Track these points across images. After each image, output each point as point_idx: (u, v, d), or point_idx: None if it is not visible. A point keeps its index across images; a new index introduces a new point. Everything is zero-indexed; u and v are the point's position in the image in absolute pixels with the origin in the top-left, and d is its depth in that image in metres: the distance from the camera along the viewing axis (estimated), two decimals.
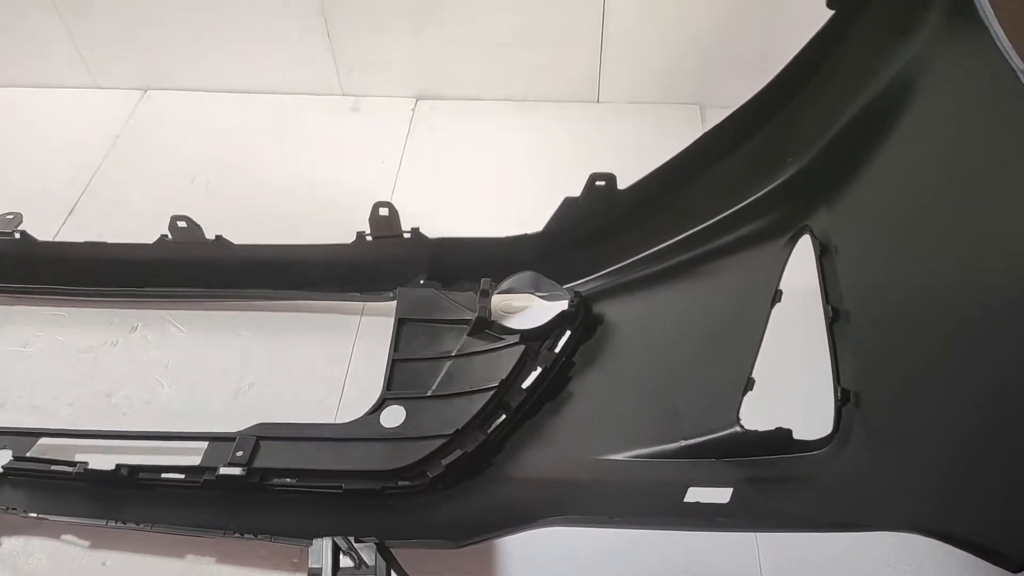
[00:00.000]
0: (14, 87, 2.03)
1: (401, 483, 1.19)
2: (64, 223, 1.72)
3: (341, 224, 1.44)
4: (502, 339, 1.32)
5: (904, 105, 1.07)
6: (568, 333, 1.32)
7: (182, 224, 1.43)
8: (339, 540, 1.07)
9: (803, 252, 1.19)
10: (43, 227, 1.58)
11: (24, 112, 1.99)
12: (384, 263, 1.45)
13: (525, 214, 1.40)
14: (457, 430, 1.21)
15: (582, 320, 1.34)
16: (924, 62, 1.04)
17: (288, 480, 1.20)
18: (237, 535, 1.16)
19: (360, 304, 1.52)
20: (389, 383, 1.31)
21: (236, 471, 1.19)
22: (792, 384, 1.12)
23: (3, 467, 1.24)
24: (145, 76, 2.01)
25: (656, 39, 1.80)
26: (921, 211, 1.02)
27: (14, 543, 1.26)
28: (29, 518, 1.22)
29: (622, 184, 1.34)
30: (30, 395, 1.44)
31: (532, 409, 1.27)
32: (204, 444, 1.26)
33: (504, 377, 1.26)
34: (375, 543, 1.06)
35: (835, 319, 1.08)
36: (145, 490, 1.22)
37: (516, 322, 1.40)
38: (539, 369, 1.28)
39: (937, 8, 1.01)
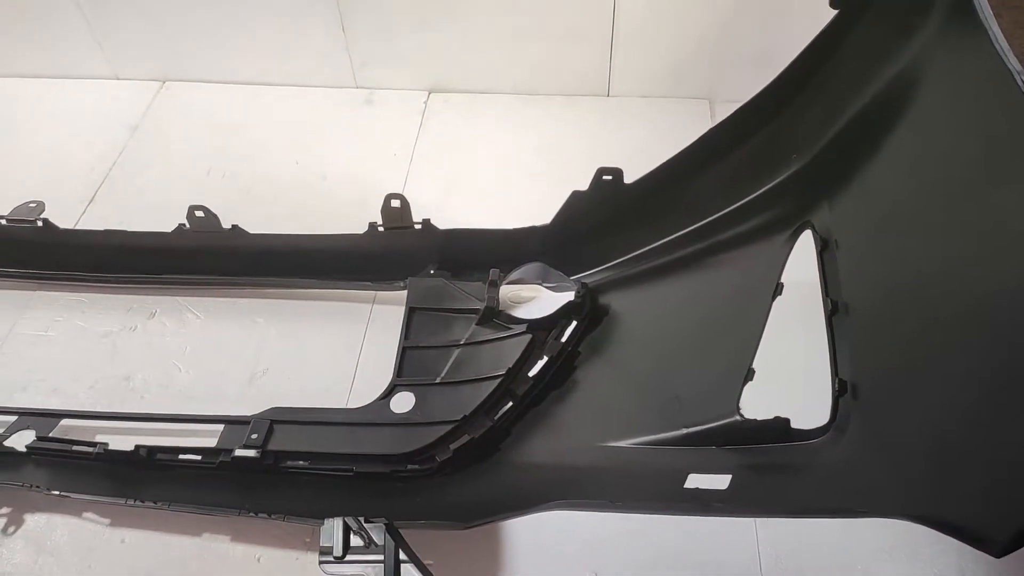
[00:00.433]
0: (35, 78, 2.07)
1: (410, 467, 1.22)
2: (84, 212, 1.76)
3: (354, 214, 1.47)
4: (510, 328, 1.35)
5: (905, 104, 1.08)
6: (574, 323, 1.35)
7: (199, 213, 1.46)
8: (349, 520, 1.10)
9: (804, 247, 1.20)
10: (64, 215, 1.61)
11: (45, 102, 2.03)
12: (395, 253, 1.48)
13: (534, 207, 1.42)
14: (465, 416, 1.24)
15: (588, 311, 1.36)
16: (925, 62, 1.06)
17: (301, 462, 1.24)
18: (251, 514, 1.19)
19: (372, 293, 1.55)
20: (399, 370, 1.34)
21: (251, 453, 1.23)
22: (791, 375, 1.14)
23: (27, 447, 1.28)
24: (163, 68, 2.04)
25: (666, 34, 1.81)
26: (920, 209, 1.04)
27: (37, 520, 1.30)
28: (51, 496, 1.26)
29: (629, 178, 1.35)
30: (52, 378, 1.48)
31: (538, 397, 1.29)
32: (220, 427, 1.29)
33: (511, 365, 1.29)
34: (384, 523, 1.09)
35: (834, 312, 1.10)
36: (163, 470, 1.26)
37: (524, 312, 1.42)
38: (545, 358, 1.31)
39: (938, 9, 1.03)
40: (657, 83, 1.90)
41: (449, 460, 1.22)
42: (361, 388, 1.41)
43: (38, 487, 1.26)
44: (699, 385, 1.19)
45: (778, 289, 1.17)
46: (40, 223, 1.52)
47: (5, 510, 1.31)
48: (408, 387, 1.31)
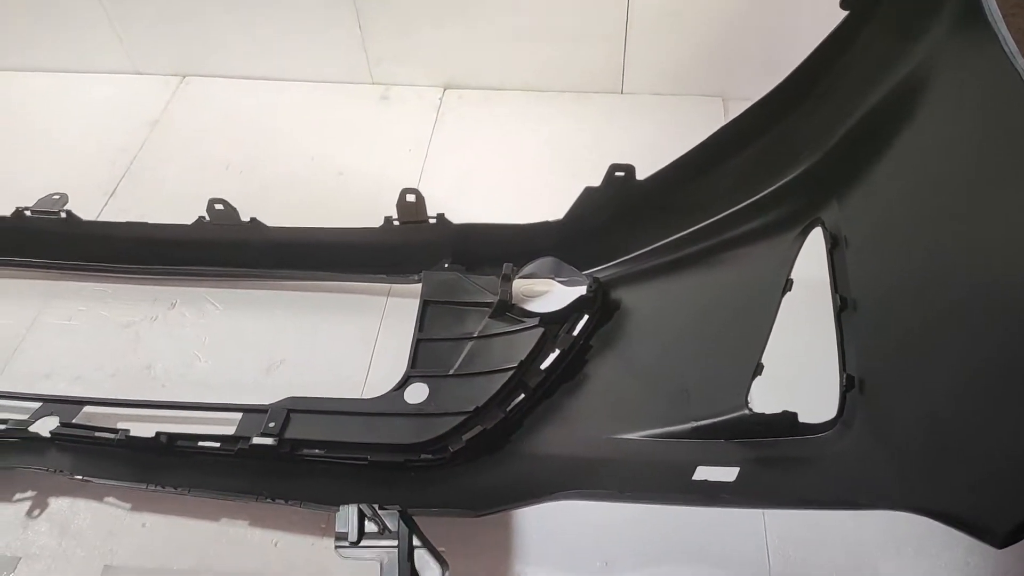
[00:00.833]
0: (57, 72, 2.10)
1: (424, 456, 1.24)
2: (106, 204, 1.79)
3: (369, 209, 1.49)
4: (522, 322, 1.37)
5: (915, 104, 1.10)
6: (586, 317, 1.37)
7: (219, 207, 1.49)
8: (364, 507, 1.12)
9: (814, 244, 1.22)
10: (86, 207, 1.65)
11: (67, 97, 2.06)
12: (410, 247, 1.50)
13: (547, 202, 1.44)
14: (477, 408, 1.26)
15: (600, 305, 1.38)
16: (935, 62, 1.07)
17: (316, 451, 1.26)
18: (269, 500, 1.22)
19: (387, 286, 1.57)
20: (413, 361, 1.36)
21: (268, 441, 1.25)
22: (800, 370, 1.15)
23: (50, 432, 1.31)
24: (183, 63, 2.07)
25: (680, 31, 1.82)
26: (928, 207, 1.05)
27: (61, 503, 1.34)
28: (75, 480, 1.30)
29: (642, 174, 1.37)
30: (75, 366, 1.51)
31: (550, 389, 1.31)
32: (238, 415, 1.32)
33: (523, 358, 1.31)
34: (398, 510, 1.11)
35: (843, 308, 1.11)
36: (183, 457, 1.28)
37: (536, 306, 1.44)
38: (557, 351, 1.33)
39: (947, 10, 1.04)
40: (670, 81, 1.92)
41: (462, 450, 1.24)
42: (376, 379, 1.43)
43: (62, 471, 1.29)
44: (708, 379, 1.21)
45: (788, 285, 1.19)
46: (63, 215, 1.56)
47: (30, 493, 1.34)
48: (422, 378, 1.33)
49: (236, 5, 1.93)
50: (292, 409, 1.30)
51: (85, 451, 1.31)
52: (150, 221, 1.55)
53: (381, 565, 1.06)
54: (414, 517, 1.12)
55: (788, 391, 1.12)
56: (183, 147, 1.92)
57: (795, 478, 1.07)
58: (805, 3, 1.68)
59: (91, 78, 2.09)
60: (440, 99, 1.98)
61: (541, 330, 1.34)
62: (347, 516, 1.11)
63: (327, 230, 1.51)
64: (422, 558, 1.07)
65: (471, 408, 1.27)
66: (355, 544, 1.10)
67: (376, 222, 1.47)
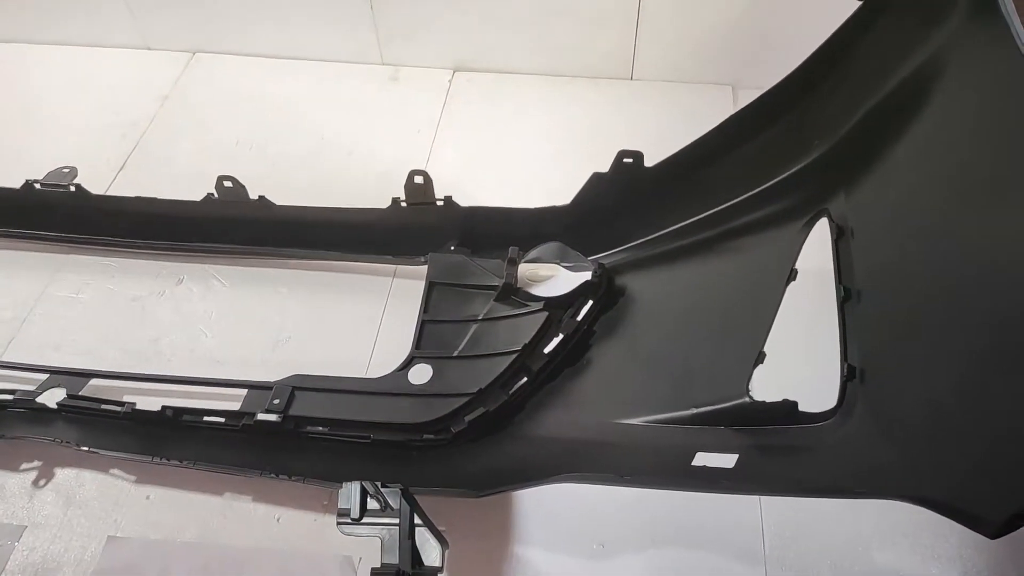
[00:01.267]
0: (69, 45, 2.11)
1: (426, 436, 1.26)
2: (115, 178, 1.80)
3: (377, 189, 1.49)
4: (527, 305, 1.37)
5: (925, 97, 1.09)
6: (590, 302, 1.37)
7: (228, 184, 1.50)
8: (367, 484, 1.13)
9: (820, 234, 1.22)
10: (96, 181, 1.66)
11: (78, 70, 2.07)
12: (417, 229, 1.50)
13: (554, 186, 1.44)
14: (480, 389, 1.27)
15: (604, 291, 1.39)
16: (947, 55, 1.07)
17: (320, 428, 1.28)
18: (272, 476, 1.24)
19: (393, 267, 1.58)
20: (418, 342, 1.37)
21: (273, 417, 1.27)
22: (801, 359, 1.16)
23: (57, 404, 1.33)
24: (194, 39, 2.07)
25: (691, 18, 1.82)
26: (936, 201, 1.05)
27: (66, 474, 1.35)
28: (81, 451, 1.31)
29: (650, 161, 1.37)
30: (82, 339, 1.53)
31: (553, 373, 1.32)
32: (243, 391, 1.33)
33: (527, 342, 1.32)
34: (400, 489, 1.12)
35: (846, 299, 1.12)
36: (188, 431, 1.30)
37: (541, 290, 1.43)
38: (561, 336, 1.33)
39: (962, 2, 1.04)
40: (681, 68, 1.91)
41: (464, 431, 1.25)
42: (380, 359, 1.44)
43: (68, 442, 1.31)
44: (710, 366, 1.21)
45: (792, 275, 1.19)
46: (73, 188, 1.57)
47: (36, 463, 1.36)
48: (426, 359, 1.34)
49: None
50: (297, 387, 1.31)
51: (91, 423, 1.33)
52: (159, 196, 1.56)
53: (382, 542, 1.07)
54: (416, 496, 1.14)
55: (789, 380, 1.12)
56: (193, 123, 1.92)
57: (793, 466, 1.07)
58: None
59: (103, 52, 2.10)
60: (450, 81, 1.98)
61: (545, 314, 1.35)
62: (350, 493, 1.13)
63: (335, 210, 1.52)
64: (423, 536, 1.09)
65: (474, 390, 1.27)
66: (357, 521, 1.11)
67: (384, 203, 1.48)
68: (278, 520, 1.29)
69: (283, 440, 1.28)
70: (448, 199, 1.47)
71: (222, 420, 1.29)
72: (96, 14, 2.04)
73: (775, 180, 1.30)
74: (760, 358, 1.14)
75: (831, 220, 1.21)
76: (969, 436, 0.88)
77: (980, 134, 1.01)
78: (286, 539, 1.27)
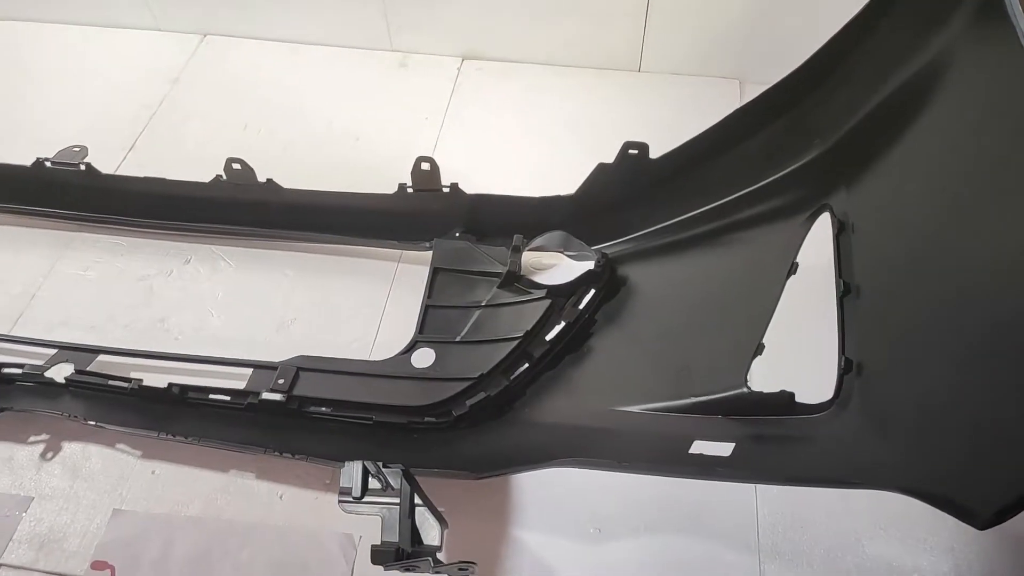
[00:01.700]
0: (82, 25, 2.12)
1: (427, 419, 1.27)
2: (124, 158, 1.82)
3: (384, 175, 1.50)
4: (530, 293, 1.39)
5: (929, 96, 1.10)
6: (592, 291, 1.38)
7: (236, 166, 1.51)
8: (368, 464, 1.16)
9: (821, 229, 1.23)
10: (106, 161, 1.67)
11: (90, 50, 2.08)
12: (423, 215, 1.51)
13: (560, 176, 1.45)
14: (482, 374, 1.29)
15: (607, 280, 1.40)
16: (952, 55, 1.08)
17: (323, 409, 1.29)
18: (276, 454, 1.26)
19: (398, 252, 1.59)
20: (421, 327, 1.38)
21: (277, 397, 1.28)
22: (800, 351, 1.17)
23: (65, 378, 1.35)
24: (204, 22, 2.08)
25: (700, 12, 1.82)
26: (937, 199, 1.07)
27: (73, 447, 1.38)
28: (88, 426, 1.33)
29: (655, 154, 1.38)
30: (90, 316, 1.54)
31: (554, 360, 1.34)
32: (248, 371, 1.35)
33: (529, 328, 1.33)
34: (401, 469, 1.15)
35: (846, 293, 1.13)
36: (193, 408, 1.32)
37: (544, 278, 1.46)
38: (563, 323, 1.35)
39: (968, 3, 1.05)
40: (688, 61, 1.92)
41: (465, 415, 1.27)
42: (384, 342, 1.46)
43: (75, 416, 1.33)
44: (710, 357, 1.23)
45: (793, 268, 1.20)
46: (83, 167, 1.58)
47: (44, 437, 1.39)
48: (429, 344, 1.36)
49: None
50: (301, 367, 1.33)
51: (98, 398, 1.35)
52: (168, 177, 1.57)
53: (382, 520, 1.10)
54: (416, 477, 1.16)
55: (787, 371, 1.14)
56: (202, 105, 1.94)
57: (788, 455, 1.09)
58: None
59: (114, 33, 2.11)
60: (458, 69, 1.99)
61: (548, 302, 1.37)
62: (352, 472, 1.15)
63: (342, 194, 1.53)
64: (422, 516, 1.11)
65: (476, 375, 1.29)
66: (358, 499, 1.13)
67: (390, 188, 1.49)
68: (281, 497, 1.31)
69: (287, 419, 1.30)
70: (454, 186, 1.48)
71: (227, 398, 1.30)
72: None
73: (778, 175, 1.31)
74: (759, 349, 1.16)
75: (833, 215, 1.22)
76: (961, 431, 0.90)
77: (982, 135, 1.02)
78: (288, 516, 1.29)
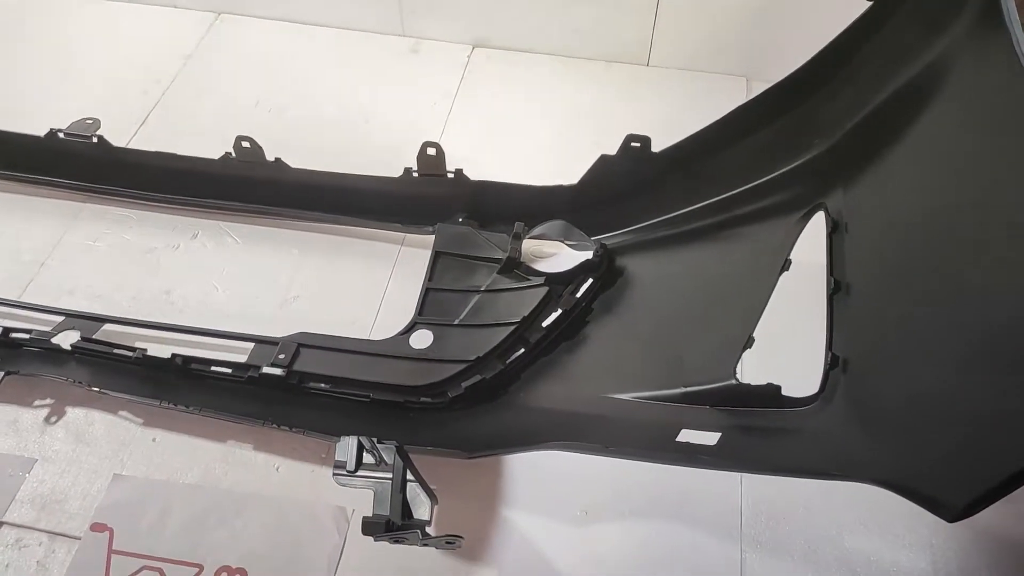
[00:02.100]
0: (100, 0, 2.13)
1: (423, 399, 1.30)
2: (136, 133, 1.84)
3: (390, 159, 1.52)
4: (529, 280, 1.41)
5: (929, 99, 1.12)
6: (590, 281, 1.41)
7: (246, 144, 1.53)
8: (363, 439, 1.18)
9: (815, 228, 1.25)
10: (117, 134, 1.70)
11: (106, 25, 2.10)
12: (427, 199, 1.54)
13: (563, 166, 1.47)
14: (478, 357, 1.32)
15: (604, 270, 1.42)
16: (951, 59, 1.09)
17: (322, 385, 1.32)
18: (274, 426, 1.29)
19: (401, 235, 1.61)
20: (421, 309, 1.41)
21: (277, 371, 1.31)
22: (789, 346, 1.20)
23: (71, 345, 1.38)
24: (219, 1, 2.09)
25: (710, 8, 1.82)
26: (930, 201, 1.08)
27: (77, 413, 1.41)
28: (92, 392, 1.36)
29: (659, 147, 1.39)
30: (97, 286, 1.57)
31: (549, 346, 1.36)
32: (250, 345, 1.38)
33: (526, 314, 1.36)
34: (395, 445, 1.18)
35: (836, 291, 1.15)
36: (195, 379, 1.35)
37: (543, 266, 1.48)
38: (559, 311, 1.37)
39: (969, 8, 1.06)
40: (697, 56, 1.93)
41: (460, 396, 1.29)
42: (384, 322, 1.48)
43: (80, 383, 1.36)
44: (701, 349, 1.25)
45: (786, 265, 1.22)
46: (95, 139, 1.61)
47: (49, 401, 1.42)
48: (428, 326, 1.38)
49: None
50: (302, 344, 1.36)
51: (103, 365, 1.38)
52: (179, 152, 1.60)
53: (375, 494, 1.13)
54: (409, 454, 1.18)
55: (775, 365, 1.17)
56: (214, 83, 1.96)
57: (772, 446, 1.12)
58: None
59: (131, 8, 2.13)
60: (468, 57, 2.00)
61: (546, 289, 1.39)
62: (347, 446, 1.18)
63: (348, 175, 1.55)
64: (414, 491, 1.14)
65: (472, 357, 1.32)
66: (352, 473, 1.16)
67: (396, 172, 1.51)
68: (277, 469, 1.34)
69: (286, 393, 1.33)
70: (459, 172, 1.50)
71: (229, 371, 1.33)
72: None
73: (776, 173, 1.32)
74: (749, 343, 1.18)
75: (827, 214, 1.24)
76: (937, 428, 0.92)
77: (978, 140, 1.03)
78: (284, 487, 1.32)
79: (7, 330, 1.40)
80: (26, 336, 1.40)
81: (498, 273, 1.44)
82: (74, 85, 1.94)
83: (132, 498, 1.30)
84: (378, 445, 1.18)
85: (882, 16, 1.18)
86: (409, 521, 1.10)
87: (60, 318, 1.44)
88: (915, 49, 1.14)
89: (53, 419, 1.40)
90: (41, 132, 1.62)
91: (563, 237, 1.50)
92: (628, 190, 1.45)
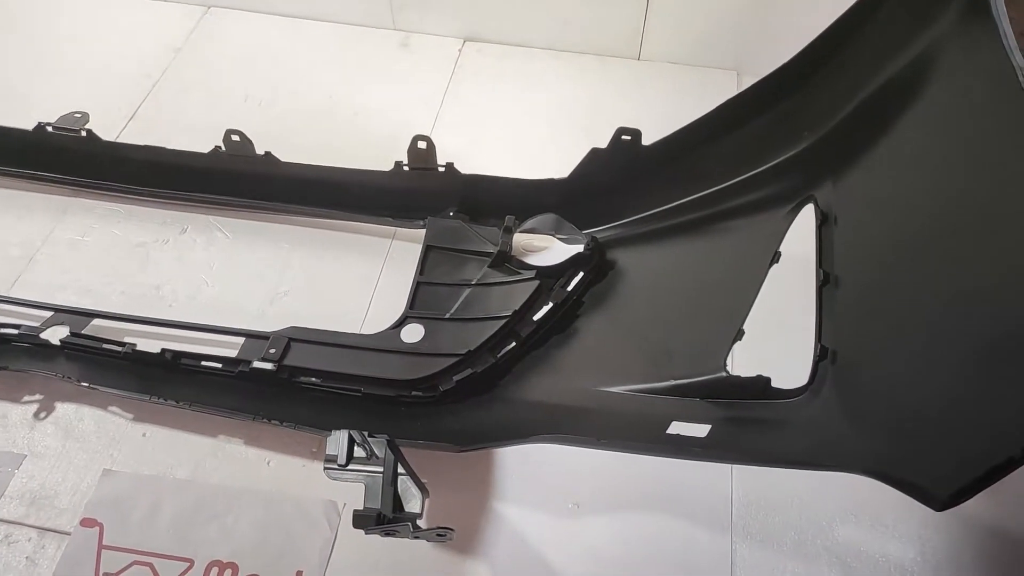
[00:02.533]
0: None
1: (414, 393, 1.30)
2: (125, 127, 1.83)
3: (381, 153, 1.52)
4: (519, 273, 1.41)
5: (917, 91, 1.12)
6: (581, 274, 1.41)
7: (235, 138, 1.53)
8: (354, 433, 1.18)
9: (805, 220, 1.25)
10: (106, 128, 1.69)
11: (95, 17, 2.09)
12: (418, 193, 1.53)
13: (554, 160, 1.47)
14: (469, 351, 1.31)
15: (595, 264, 1.42)
16: (939, 52, 1.10)
17: (313, 379, 1.32)
18: (264, 421, 1.28)
19: (392, 229, 1.61)
20: (412, 303, 1.40)
21: (268, 366, 1.31)
22: (778, 338, 1.20)
23: (60, 340, 1.37)
24: None
25: (701, 2, 1.83)
26: (918, 194, 1.09)
27: (66, 408, 1.40)
28: (81, 387, 1.36)
29: (649, 140, 1.40)
30: (86, 280, 1.56)
31: (540, 340, 1.36)
32: (241, 339, 1.37)
33: (517, 308, 1.36)
34: (386, 439, 1.18)
35: (825, 283, 1.16)
36: (185, 374, 1.34)
37: (534, 259, 1.48)
38: (550, 304, 1.37)
39: (954, 3, 1.06)
40: (688, 50, 1.93)
41: (451, 390, 1.29)
42: (375, 316, 1.48)
43: (69, 378, 1.35)
44: (691, 341, 1.25)
45: (775, 258, 1.23)
46: (84, 133, 1.60)
47: (38, 396, 1.41)
48: (419, 319, 1.38)
49: None
50: (293, 338, 1.35)
51: (92, 361, 1.37)
52: (168, 146, 1.59)
53: (366, 488, 1.13)
54: (400, 448, 1.18)
55: (765, 357, 1.17)
56: (203, 76, 1.95)
57: (762, 438, 1.12)
58: None
59: (119, 1, 2.11)
60: (459, 51, 2.00)
61: (537, 283, 1.39)
62: (338, 440, 1.18)
63: (338, 169, 1.55)
64: (404, 484, 1.14)
65: (463, 351, 1.32)
66: (343, 467, 1.16)
67: (387, 166, 1.51)
68: (268, 463, 1.34)
69: (277, 388, 1.32)
70: (450, 165, 1.50)
71: (219, 365, 1.33)
72: None
73: (765, 166, 1.33)
74: (739, 335, 1.19)
75: (817, 207, 1.24)
76: (924, 418, 0.93)
77: (965, 132, 1.04)
78: (275, 482, 1.31)
79: None
80: (15, 331, 1.39)
81: (489, 267, 1.43)
82: (63, 78, 1.93)
83: (122, 493, 1.30)
84: (369, 439, 1.18)
85: (871, 8, 1.18)
86: (400, 514, 1.10)
87: (49, 313, 1.43)
88: (904, 41, 1.14)
89: (42, 415, 1.39)
90: (29, 126, 1.61)
91: (554, 231, 1.50)
92: (619, 183, 1.45)
